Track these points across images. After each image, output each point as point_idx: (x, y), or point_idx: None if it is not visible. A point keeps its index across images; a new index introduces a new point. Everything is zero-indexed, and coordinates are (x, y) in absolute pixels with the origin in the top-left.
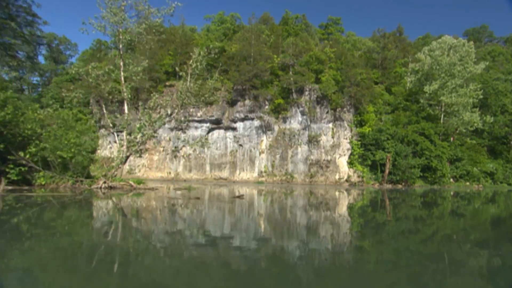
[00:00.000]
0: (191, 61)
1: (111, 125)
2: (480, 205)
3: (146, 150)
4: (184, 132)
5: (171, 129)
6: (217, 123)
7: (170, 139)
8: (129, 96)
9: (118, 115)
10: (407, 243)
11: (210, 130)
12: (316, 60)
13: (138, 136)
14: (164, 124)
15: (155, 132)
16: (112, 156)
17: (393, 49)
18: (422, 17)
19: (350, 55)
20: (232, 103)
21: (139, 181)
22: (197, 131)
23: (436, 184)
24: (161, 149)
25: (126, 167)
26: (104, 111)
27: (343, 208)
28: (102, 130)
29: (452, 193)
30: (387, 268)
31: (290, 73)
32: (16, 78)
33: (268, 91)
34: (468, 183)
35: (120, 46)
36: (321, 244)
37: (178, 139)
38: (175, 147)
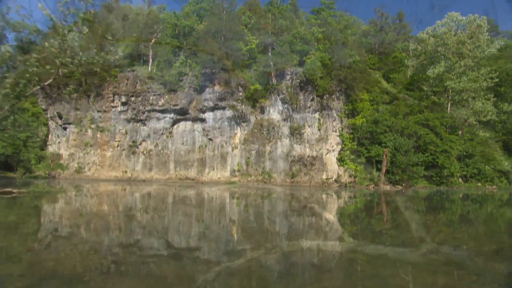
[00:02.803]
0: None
1: None
2: (494, 209)
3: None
4: (144, 124)
5: (128, 121)
6: (182, 114)
7: (126, 132)
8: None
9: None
10: (409, 254)
11: (175, 121)
12: (300, 40)
13: None
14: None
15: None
16: (60, 152)
17: (392, 31)
18: (422, 11)
19: (343, 36)
20: (200, 90)
21: None
22: (159, 123)
23: (442, 185)
24: (116, 143)
25: (74, 165)
26: None
27: (331, 214)
28: (51, 123)
29: (461, 195)
30: (385, 284)
31: (269, 54)
32: None
33: (241, 75)
34: (479, 184)
35: None
36: (306, 257)
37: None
38: (133, 142)
